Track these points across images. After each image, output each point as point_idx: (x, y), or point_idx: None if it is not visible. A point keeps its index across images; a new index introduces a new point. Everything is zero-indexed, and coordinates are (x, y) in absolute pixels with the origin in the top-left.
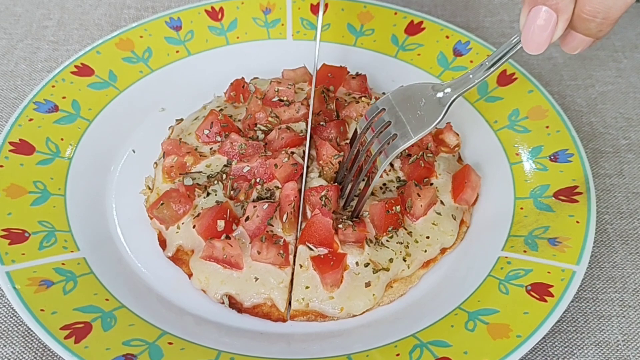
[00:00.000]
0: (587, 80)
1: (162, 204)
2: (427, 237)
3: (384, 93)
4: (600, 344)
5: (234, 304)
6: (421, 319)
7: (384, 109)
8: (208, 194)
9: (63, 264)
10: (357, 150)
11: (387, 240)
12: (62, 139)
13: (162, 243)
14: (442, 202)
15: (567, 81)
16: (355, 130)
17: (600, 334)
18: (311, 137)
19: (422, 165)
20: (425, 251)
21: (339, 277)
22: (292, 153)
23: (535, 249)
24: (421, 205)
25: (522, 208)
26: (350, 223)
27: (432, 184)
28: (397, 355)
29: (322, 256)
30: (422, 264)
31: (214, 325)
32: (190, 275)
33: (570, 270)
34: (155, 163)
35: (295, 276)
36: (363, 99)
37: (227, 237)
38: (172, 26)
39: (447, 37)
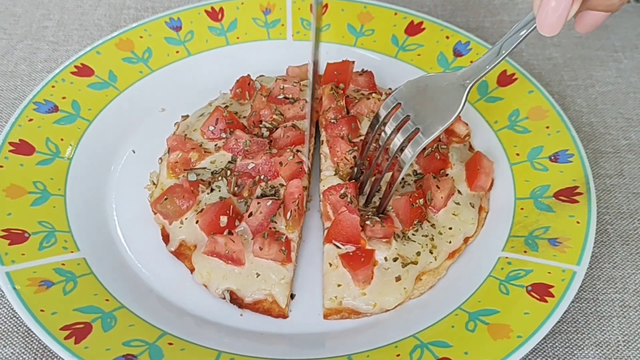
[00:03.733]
0: (587, 80)
1: (165, 199)
2: (450, 228)
3: (390, 89)
4: (600, 345)
5: (235, 300)
6: (421, 319)
7: (400, 103)
8: (212, 190)
9: (63, 264)
10: (375, 146)
11: (413, 234)
12: (62, 139)
13: (165, 238)
14: (459, 192)
15: (567, 81)
16: (371, 126)
17: (601, 335)
18: (317, 134)
19: (438, 157)
20: (450, 242)
21: (369, 273)
22: (298, 151)
23: (536, 249)
24: (441, 197)
25: (522, 208)
26: (378, 219)
27: (447, 175)
28: (398, 355)
29: (350, 253)
30: (448, 255)
31: (214, 326)
32: (192, 270)
33: (570, 271)
34: (160, 159)
35: (325, 275)
36: (373, 95)
37: (230, 233)
38: (172, 26)
39: (447, 37)
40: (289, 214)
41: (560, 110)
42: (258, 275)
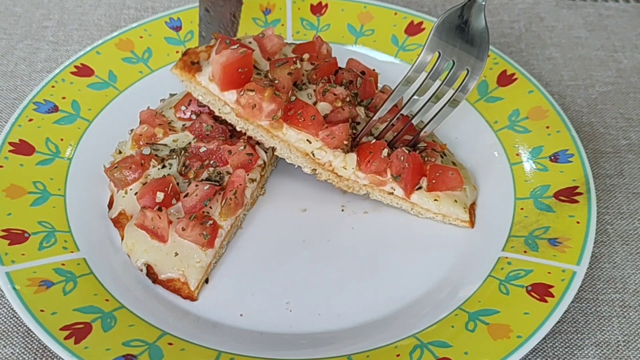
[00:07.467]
0: (587, 80)
1: (115, 167)
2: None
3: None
4: (600, 345)
5: (151, 274)
6: (421, 319)
7: (438, 53)
8: (163, 167)
9: (63, 264)
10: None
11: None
12: (62, 139)
13: (110, 205)
14: None
15: (567, 81)
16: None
17: (601, 335)
18: None
19: None
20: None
21: (457, 174)
22: (258, 144)
23: (536, 249)
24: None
25: (522, 208)
26: (426, 149)
27: None
28: (398, 355)
29: (434, 181)
30: None
31: (214, 326)
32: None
33: (570, 271)
34: (132, 130)
35: (442, 206)
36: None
37: (159, 209)
38: (172, 26)
39: None
40: (224, 201)
41: (560, 110)
42: (177, 254)
